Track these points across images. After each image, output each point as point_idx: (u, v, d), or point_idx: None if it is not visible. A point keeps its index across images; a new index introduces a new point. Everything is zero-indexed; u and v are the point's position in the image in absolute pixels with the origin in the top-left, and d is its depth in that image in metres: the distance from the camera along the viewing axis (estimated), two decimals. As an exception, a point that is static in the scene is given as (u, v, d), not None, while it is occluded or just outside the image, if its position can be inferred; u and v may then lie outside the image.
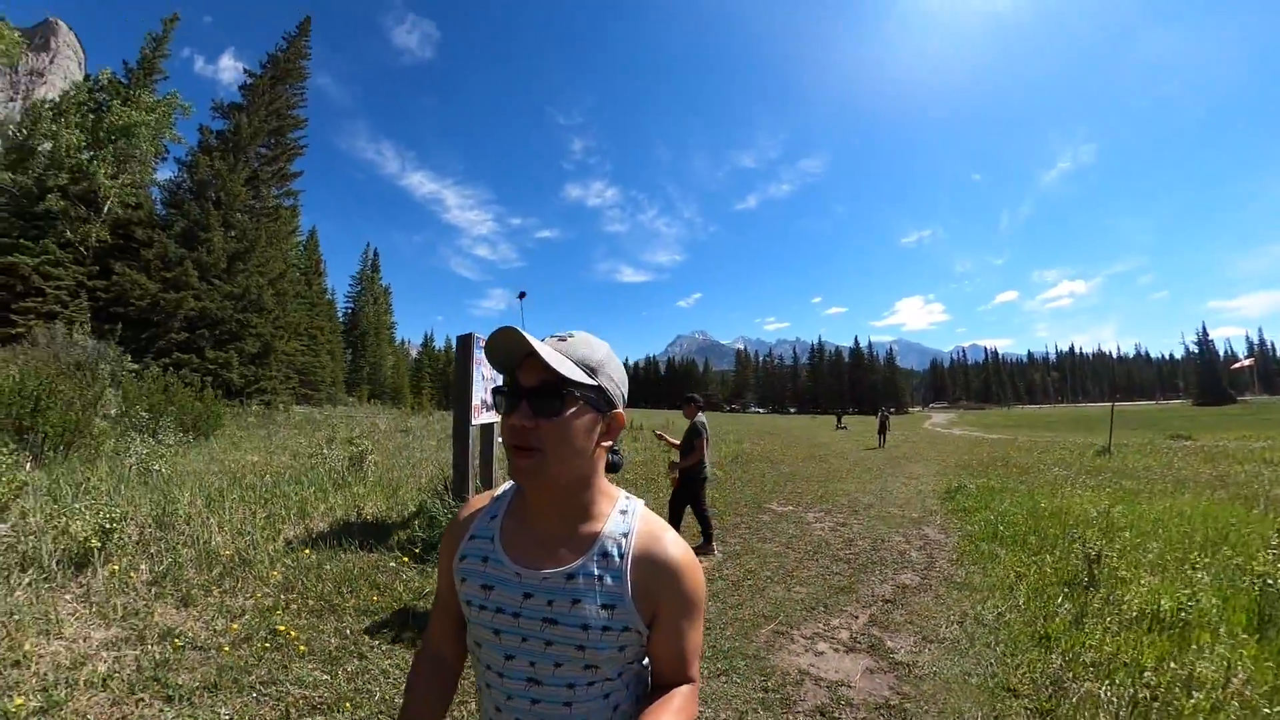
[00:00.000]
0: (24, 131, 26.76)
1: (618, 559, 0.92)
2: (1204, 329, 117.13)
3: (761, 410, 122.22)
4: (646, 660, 1.00)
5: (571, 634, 0.91)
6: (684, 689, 0.94)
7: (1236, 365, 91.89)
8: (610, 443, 0.95)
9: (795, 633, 4.03)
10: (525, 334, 0.84)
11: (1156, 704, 2.82)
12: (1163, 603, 3.99)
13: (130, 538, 4.43)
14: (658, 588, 0.93)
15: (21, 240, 22.23)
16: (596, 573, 0.92)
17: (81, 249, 23.47)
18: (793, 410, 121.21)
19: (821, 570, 5.52)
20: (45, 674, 2.78)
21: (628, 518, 0.96)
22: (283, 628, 3.51)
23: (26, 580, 3.62)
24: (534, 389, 0.86)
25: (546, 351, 0.84)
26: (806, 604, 4.59)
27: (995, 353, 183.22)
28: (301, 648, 3.33)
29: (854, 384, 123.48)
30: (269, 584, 4.15)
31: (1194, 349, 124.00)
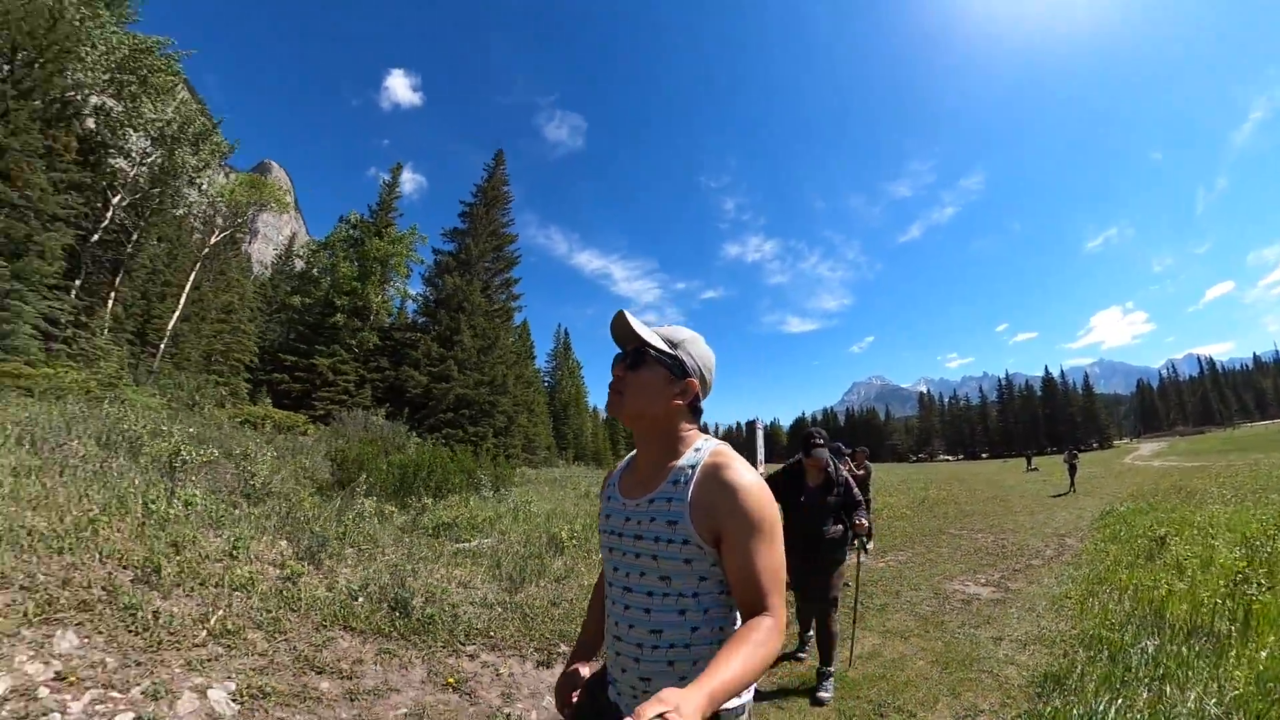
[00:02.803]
0: (306, 264, 37.42)
1: (683, 483, 1.22)
2: None
3: (950, 458, 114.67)
4: (729, 593, 1.20)
5: (648, 547, 1.23)
6: (763, 621, 1.08)
7: None
8: (684, 402, 1.28)
9: (954, 580, 7.24)
10: (627, 314, 1.28)
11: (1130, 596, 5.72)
12: (1186, 559, 6.57)
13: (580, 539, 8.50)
14: (717, 507, 1.17)
15: (316, 345, 31.13)
16: (667, 496, 1.23)
17: (357, 350, 32.09)
18: (984, 455, 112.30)
19: (978, 559, 8.49)
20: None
21: (699, 454, 1.25)
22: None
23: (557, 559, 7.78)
24: (628, 351, 1.32)
25: (636, 324, 1.29)
26: (964, 570, 7.74)
27: (1211, 362, 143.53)
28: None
29: (1049, 419, 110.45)
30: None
31: None
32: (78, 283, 22.79)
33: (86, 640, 3.32)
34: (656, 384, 1.28)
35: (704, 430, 1.36)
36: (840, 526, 4.24)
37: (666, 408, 1.28)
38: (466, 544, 7.54)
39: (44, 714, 2.63)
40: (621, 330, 1.32)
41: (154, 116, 25.25)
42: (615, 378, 1.32)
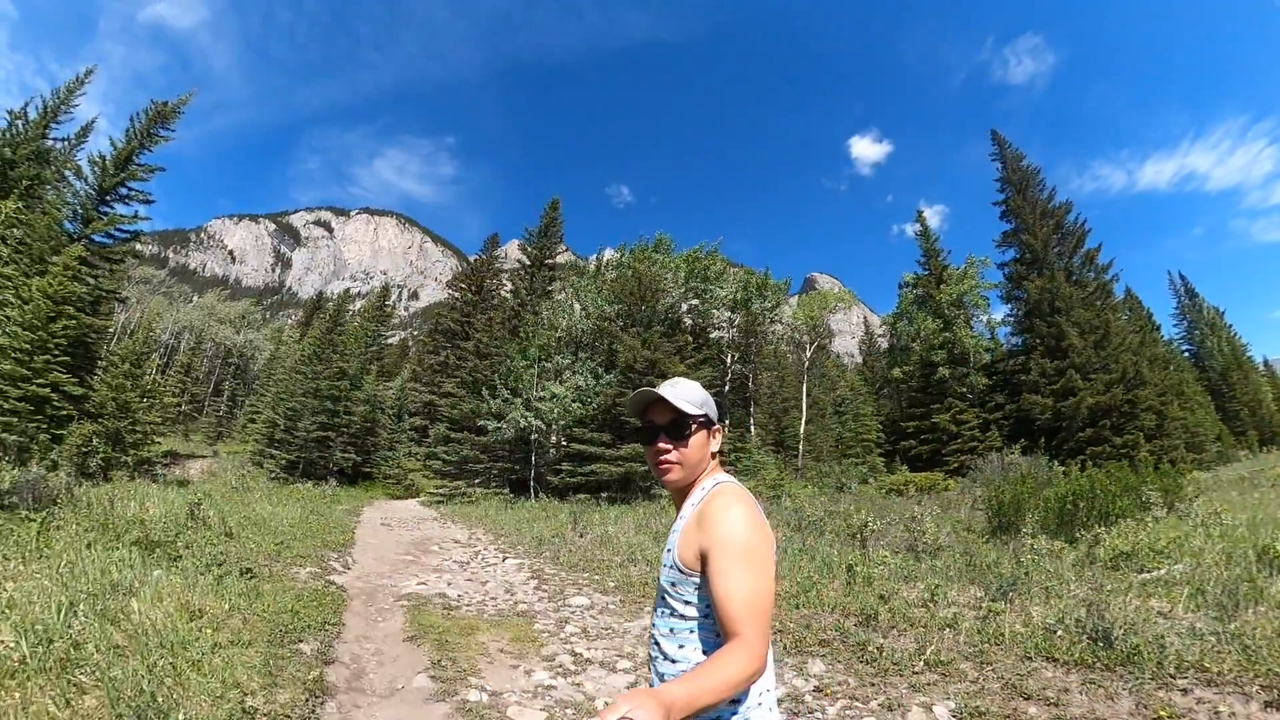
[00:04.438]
0: (890, 338, 39.53)
1: (686, 516, 1.36)
2: None
3: None
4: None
5: (661, 572, 1.39)
6: (727, 647, 1.15)
7: None
8: (716, 447, 1.46)
9: None
10: (655, 390, 1.40)
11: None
12: None
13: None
14: (701, 533, 1.27)
15: (931, 406, 31.49)
16: (676, 528, 1.37)
17: (970, 396, 31.13)
18: None
19: None
20: None
21: (704, 490, 1.38)
22: None
23: None
24: (668, 424, 1.41)
25: (672, 395, 1.39)
26: None
27: None
28: None
29: None
30: None
31: None
32: (727, 421, 31.08)
33: (830, 666, 4.43)
34: (700, 445, 1.41)
35: None
36: None
37: (705, 459, 1.43)
38: (1155, 571, 6.75)
39: (810, 712, 3.75)
40: (641, 402, 1.45)
41: (724, 294, 35.02)
42: (662, 451, 1.41)
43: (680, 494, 1.43)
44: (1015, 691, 3.84)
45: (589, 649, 4.98)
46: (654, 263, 33.36)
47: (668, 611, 1.33)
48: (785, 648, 4.73)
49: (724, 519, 1.24)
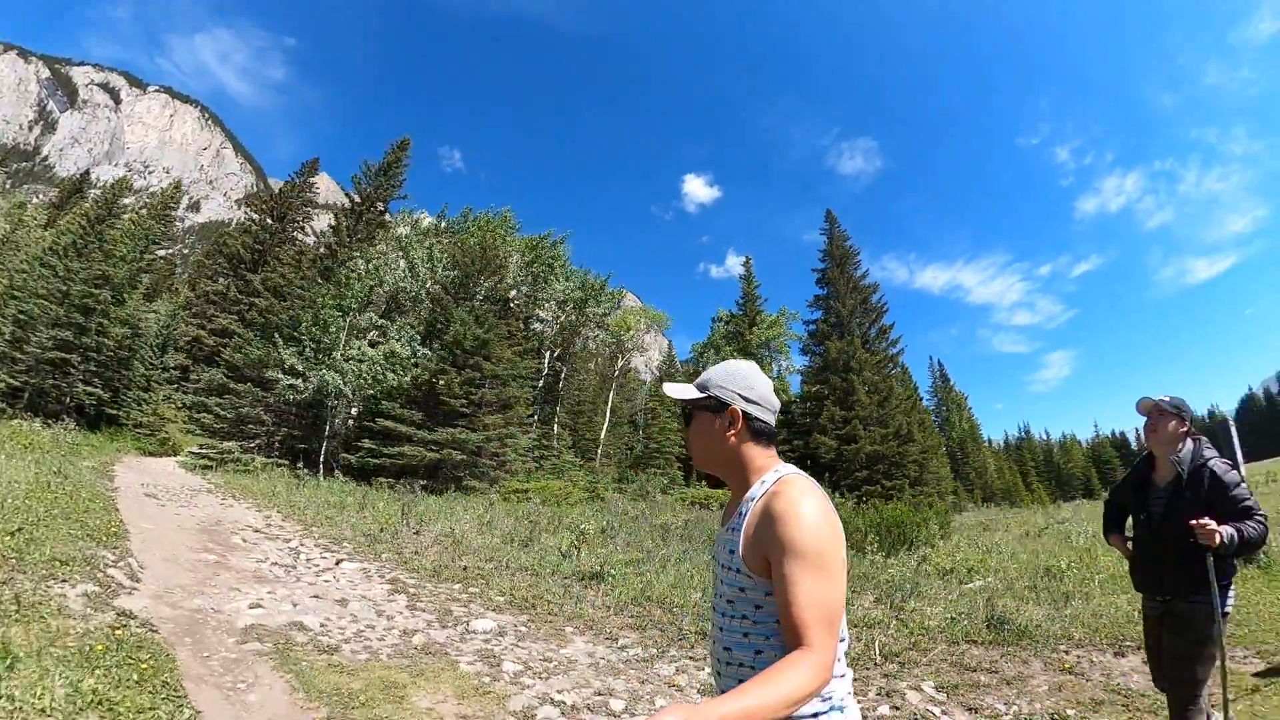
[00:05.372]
0: (695, 364, 43.02)
1: (744, 514, 1.29)
2: None
3: None
4: None
5: (720, 572, 1.34)
6: (793, 657, 1.08)
7: None
8: (735, 431, 1.35)
9: None
10: (665, 385, 1.49)
11: None
12: None
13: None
14: (765, 535, 1.21)
15: None
16: (734, 526, 1.31)
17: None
18: None
19: None
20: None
21: (764, 485, 1.30)
22: None
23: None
24: (681, 413, 1.50)
25: (669, 388, 1.45)
26: None
27: None
28: None
29: None
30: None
31: None
32: (536, 417, 31.81)
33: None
34: (706, 428, 1.38)
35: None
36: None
37: (726, 443, 1.36)
38: (975, 582, 8.39)
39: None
40: (670, 399, 1.60)
41: (560, 287, 35.28)
42: (686, 438, 1.50)
43: (736, 486, 1.38)
44: (964, 668, 4.76)
45: (561, 693, 4.16)
46: (499, 238, 32.22)
47: (738, 616, 1.27)
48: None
49: (791, 516, 1.17)
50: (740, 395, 1.36)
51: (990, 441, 65.86)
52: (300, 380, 20.83)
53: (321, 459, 21.06)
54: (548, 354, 35.63)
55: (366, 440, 20.64)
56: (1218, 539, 2.50)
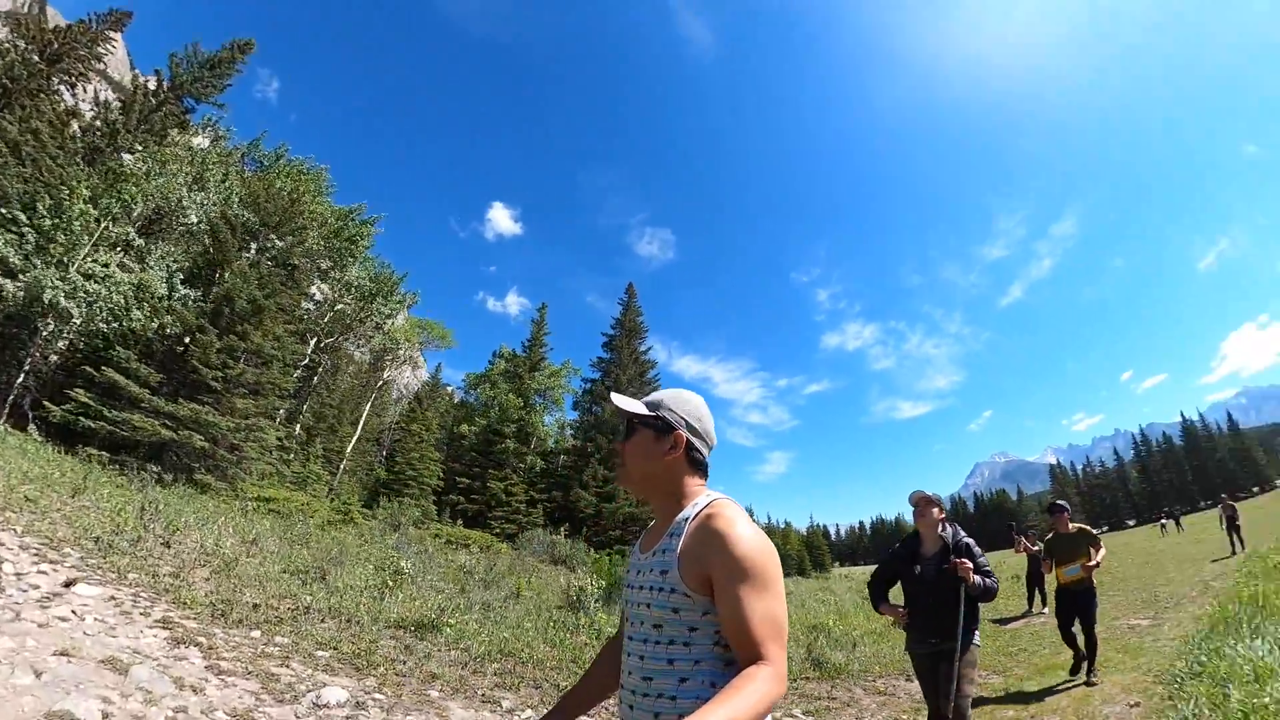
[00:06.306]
0: (466, 393, 42.30)
1: (677, 535, 1.28)
2: None
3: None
4: (726, 646, 1.21)
5: (646, 596, 1.29)
6: (751, 671, 1.08)
7: None
8: (675, 455, 1.39)
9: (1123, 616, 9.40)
10: (614, 395, 1.55)
11: None
12: None
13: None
14: (705, 554, 1.21)
15: (489, 470, 34.92)
16: (664, 547, 1.30)
17: (524, 472, 35.77)
18: (1131, 523, 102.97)
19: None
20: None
21: (697, 506, 1.31)
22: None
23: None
24: (624, 424, 1.48)
25: (619, 399, 1.49)
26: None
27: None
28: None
29: (1197, 470, 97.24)
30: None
31: None
32: (283, 413, 27.01)
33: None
34: (646, 445, 1.40)
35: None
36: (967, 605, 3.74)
37: (662, 464, 1.39)
38: None
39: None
40: (615, 411, 1.72)
41: (358, 273, 32.80)
42: (615, 450, 1.60)
43: (664, 508, 1.39)
44: (812, 697, 6.45)
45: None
46: (310, 195, 28.58)
47: (665, 641, 1.25)
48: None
49: (734, 536, 1.19)
50: (687, 422, 1.41)
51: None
52: (8, 280, 15.67)
53: (9, 401, 16.08)
54: (313, 341, 31.80)
55: (81, 392, 16.27)
56: (972, 577, 3.63)
